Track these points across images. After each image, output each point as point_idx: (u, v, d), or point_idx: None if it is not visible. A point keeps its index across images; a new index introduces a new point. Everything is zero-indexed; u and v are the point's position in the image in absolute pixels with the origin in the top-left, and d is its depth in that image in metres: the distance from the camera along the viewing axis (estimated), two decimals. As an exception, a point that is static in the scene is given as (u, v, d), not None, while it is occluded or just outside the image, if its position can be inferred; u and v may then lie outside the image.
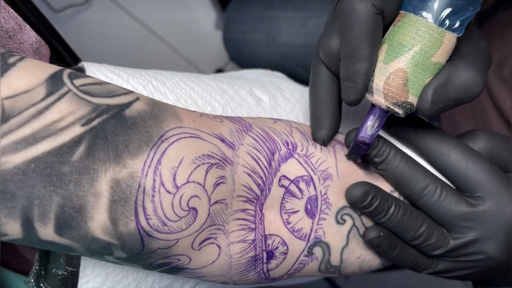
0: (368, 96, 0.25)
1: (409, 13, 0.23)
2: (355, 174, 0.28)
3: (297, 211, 0.26)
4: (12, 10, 0.31)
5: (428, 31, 0.23)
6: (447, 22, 0.23)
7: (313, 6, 0.61)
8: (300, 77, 0.63)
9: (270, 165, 0.25)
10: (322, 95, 0.28)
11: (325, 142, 0.28)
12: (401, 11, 0.24)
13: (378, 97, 0.25)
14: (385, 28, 0.25)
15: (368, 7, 0.23)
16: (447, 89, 0.24)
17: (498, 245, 0.26)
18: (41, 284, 0.26)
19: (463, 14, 0.23)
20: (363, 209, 0.27)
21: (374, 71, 0.24)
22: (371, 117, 0.26)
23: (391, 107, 0.25)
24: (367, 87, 0.25)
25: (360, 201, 0.26)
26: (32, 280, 0.26)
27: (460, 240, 0.26)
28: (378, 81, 0.24)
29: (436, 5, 0.23)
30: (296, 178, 0.26)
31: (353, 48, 0.24)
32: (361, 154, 0.27)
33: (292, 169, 0.26)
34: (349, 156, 0.28)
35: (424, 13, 0.23)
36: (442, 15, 0.23)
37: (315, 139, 0.28)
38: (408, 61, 0.24)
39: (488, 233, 0.26)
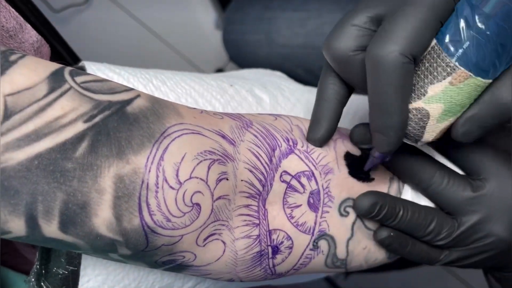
0: (407, 141, 0.25)
1: (476, 77, 0.21)
2: None
3: (300, 205, 0.26)
4: (13, 10, 0.31)
5: (482, 88, 0.22)
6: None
7: (312, 7, 0.61)
8: (299, 78, 0.63)
9: (271, 160, 0.26)
10: (325, 103, 0.27)
11: (320, 145, 0.28)
12: (461, 69, 0.21)
13: (419, 144, 0.25)
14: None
15: (397, 57, 0.21)
16: (477, 119, 0.23)
17: (506, 226, 0.26)
18: (42, 283, 0.26)
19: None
20: (372, 218, 0.27)
21: (424, 128, 0.23)
22: None
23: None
24: (401, 140, 0.24)
25: (368, 212, 0.27)
26: (33, 279, 0.26)
27: (467, 224, 0.26)
28: (428, 136, 0.24)
29: (501, 69, 0.22)
30: (297, 173, 0.26)
31: (383, 102, 0.22)
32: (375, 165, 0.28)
33: (293, 164, 0.26)
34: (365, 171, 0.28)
35: (491, 75, 0.22)
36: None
37: (309, 141, 0.28)
38: (458, 115, 0.23)
39: (495, 215, 0.26)
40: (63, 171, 0.19)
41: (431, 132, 0.24)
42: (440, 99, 0.22)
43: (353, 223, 0.28)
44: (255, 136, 0.26)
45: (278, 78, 0.43)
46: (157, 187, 0.20)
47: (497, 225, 0.26)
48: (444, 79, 0.22)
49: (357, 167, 0.28)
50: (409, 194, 0.29)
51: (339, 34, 0.24)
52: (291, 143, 0.27)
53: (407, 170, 0.27)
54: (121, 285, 0.29)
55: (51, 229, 0.20)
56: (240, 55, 0.68)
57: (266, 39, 0.63)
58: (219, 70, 0.97)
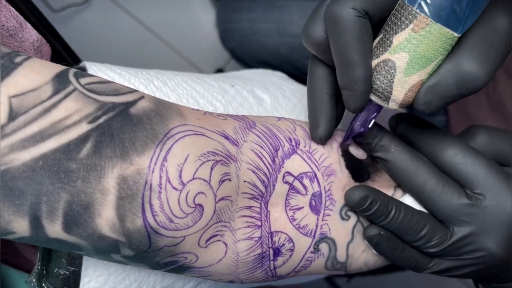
0: (379, 101, 0.24)
1: (436, 23, 0.21)
2: None
3: (302, 207, 0.26)
4: (13, 9, 0.30)
5: (451, 42, 0.22)
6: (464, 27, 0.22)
7: None
8: (306, 70, 0.62)
9: (273, 161, 0.26)
10: (316, 92, 0.27)
11: (322, 142, 0.27)
12: (421, 15, 0.21)
13: (392, 105, 0.24)
14: (378, 26, 0.24)
15: (349, 12, 0.22)
16: (440, 89, 0.23)
17: (499, 241, 0.25)
18: (43, 284, 0.26)
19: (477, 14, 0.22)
20: (362, 212, 0.26)
21: (392, 81, 0.23)
22: (369, 111, 0.26)
23: (400, 109, 0.25)
24: (367, 94, 0.24)
25: (358, 205, 0.26)
26: (34, 280, 0.26)
27: (460, 234, 0.26)
28: (398, 93, 0.24)
29: (468, 21, 0.22)
30: (300, 174, 0.26)
31: (344, 56, 0.23)
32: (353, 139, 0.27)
33: (295, 165, 0.26)
34: (343, 145, 0.28)
35: (452, 25, 0.21)
36: (466, 24, 0.22)
37: (313, 139, 0.28)
38: (429, 72, 0.23)
39: (489, 229, 0.25)
40: (67, 172, 0.19)
41: (400, 88, 0.23)
42: (404, 47, 0.22)
43: (354, 227, 0.28)
44: (258, 137, 0.26)
45: (279, 79, 0.43)
46: (160, 188, 0.21)
47: (489, 239, 0.25)
48: (407, 27, 0.22)
49: (359, 171, 0.28)
50: (407, 200, 0.28)
51: (314, 20, 0.25)
52: (293, 143, 0.27)
53: (401, 172, 0.27)
54: (122, 285, 0.29)
55: (54, 229, 0.20)
56: (246, 46, 0.65)
57: (277, 28, 0.61)
58: (219, 70, 0.97)
